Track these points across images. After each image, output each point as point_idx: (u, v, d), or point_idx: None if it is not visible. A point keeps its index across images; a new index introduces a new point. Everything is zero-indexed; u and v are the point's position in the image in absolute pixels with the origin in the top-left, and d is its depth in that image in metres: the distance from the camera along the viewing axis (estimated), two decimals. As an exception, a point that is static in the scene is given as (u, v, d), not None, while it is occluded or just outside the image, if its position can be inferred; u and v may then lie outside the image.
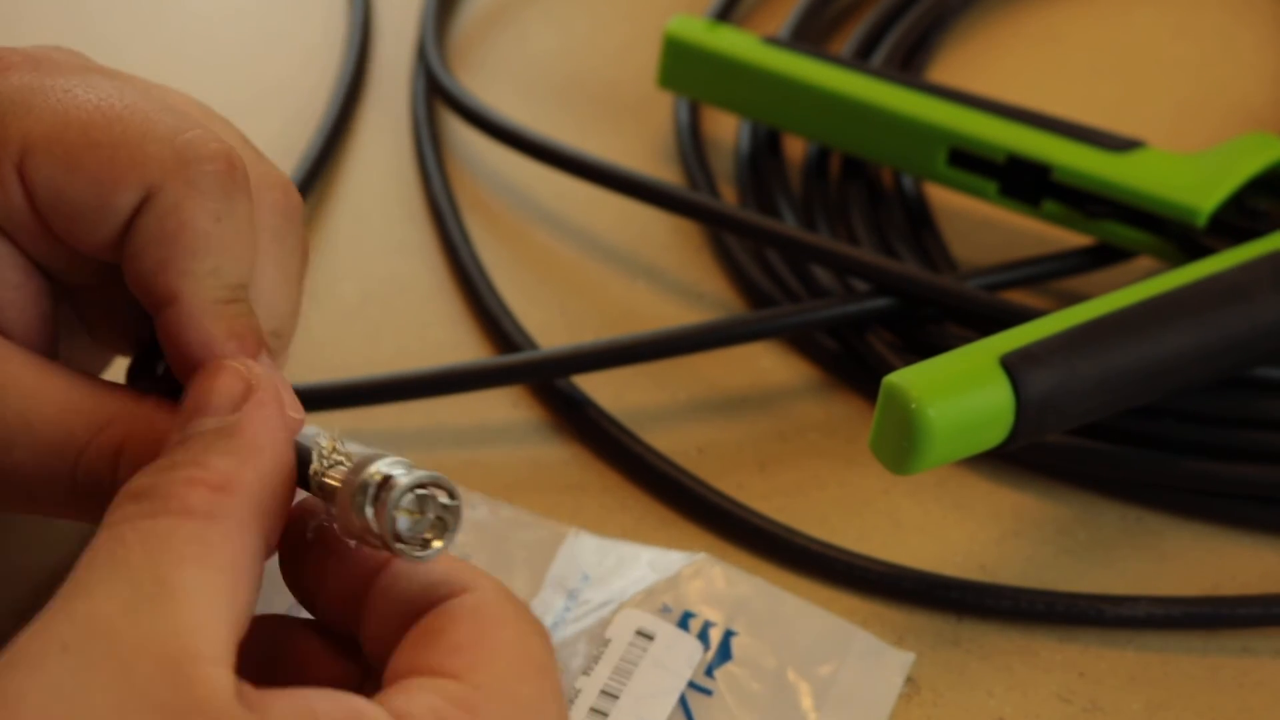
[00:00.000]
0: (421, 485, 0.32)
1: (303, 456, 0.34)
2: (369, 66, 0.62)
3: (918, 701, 0.42)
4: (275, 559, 0.35)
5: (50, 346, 0.37)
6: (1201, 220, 0.49)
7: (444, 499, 0.33)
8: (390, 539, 0.32)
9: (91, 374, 0.36)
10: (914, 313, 0.49)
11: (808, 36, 0.61)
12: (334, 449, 0.34)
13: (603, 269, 0.54)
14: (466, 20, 0.64)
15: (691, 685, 0.41)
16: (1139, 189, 0.49)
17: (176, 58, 0.62)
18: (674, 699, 0.40)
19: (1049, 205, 0.51)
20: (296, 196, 0.39)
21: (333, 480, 0.33)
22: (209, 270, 0.35)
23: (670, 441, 0.48)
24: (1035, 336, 0.41)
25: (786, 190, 0.55)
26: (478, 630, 0.32)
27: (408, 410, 0.48)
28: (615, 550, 0.44)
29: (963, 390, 0.40)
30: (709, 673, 0.41)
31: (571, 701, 0.40)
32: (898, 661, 0.42)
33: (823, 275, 0.52)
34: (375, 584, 0.33)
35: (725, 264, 0.54)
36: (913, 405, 0.39)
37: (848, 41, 0.60)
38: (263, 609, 0.34)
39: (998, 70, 0.62)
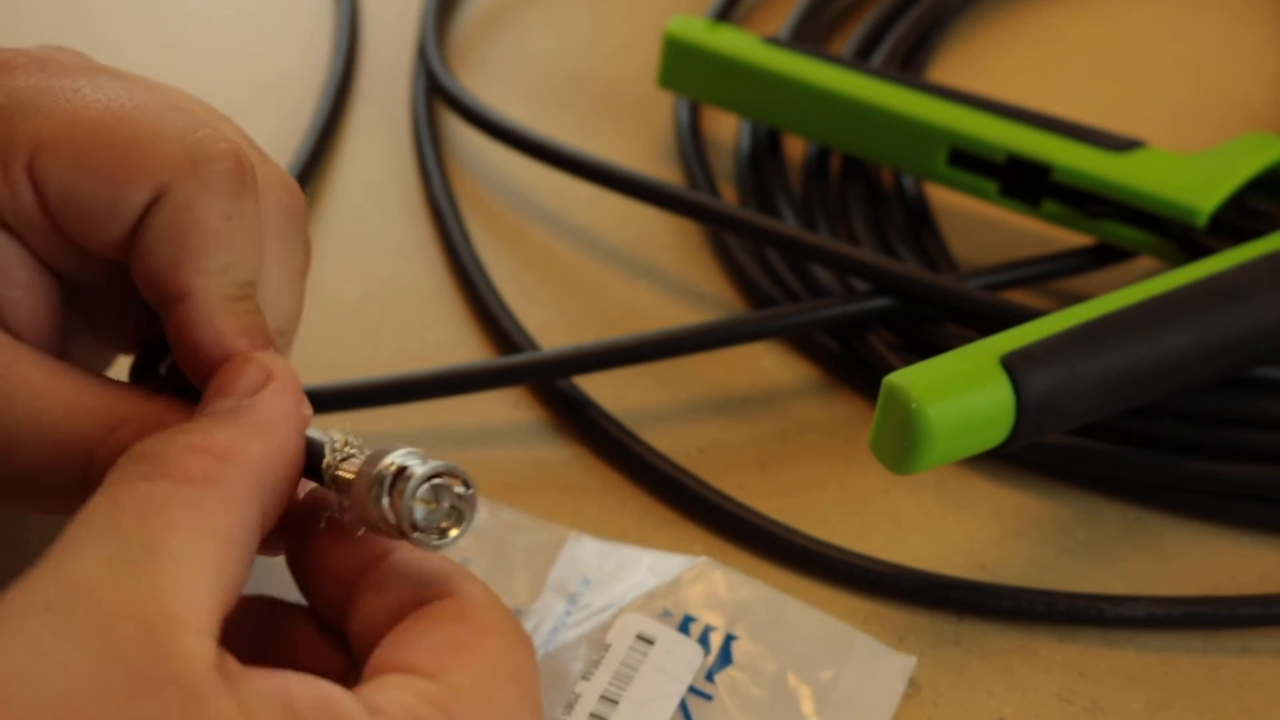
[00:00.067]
0: (437, 475, 0.33)
1: (315, 451, 0.34)
2: (360, 65, 0.62)
3: (918, 701, 0.42)
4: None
5: (58, 345, 0.37)
6: (1201, 220, 0.49)
7: (459, 488, 0.33)
8: (407, 528, 0.33)
9: (100, 374, 0.37)
10: (914, 313, 0.49)
11: (808, 36, 0.61)
12: (346, 443, 0.34)
13: (603, 269, 0.54)
14: (466, 20, 0.64)
15: (692, 690, 0.41)
16: (1139, 189, 0.49)
17: (176, 57, 0.62)
18: (674, 704, 0.40)
19: (1049, 205, 0.51)
20: (300, 196, 0.39)
21: (346, 473, 0.34)
22: (220, 267, 0.35)
23: (671, 442, 0.48)
24: (1035, 336, 0.41)
25: (786, 190, 0.55)
26: (460, 633, 0.32)
27: (409, 411, 0.48)
28: (616, 554, 0.44)
29: (963, 390, 0.40)
30: (709, 677, 0.41)
31: (571, 706, 0.40)
32: (899, 665, 0.42)
33: (823, 275, 0.52)
34: (366, 579, 0.33)
35: (725, 264, 0.54)
36: (913, 405, 0.39)
37: (848, 41, 0.60)
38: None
39: (998, 70, 0.62)
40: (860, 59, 0.59)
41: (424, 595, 0.33)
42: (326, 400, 0.46)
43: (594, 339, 0.48)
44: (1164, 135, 0.53)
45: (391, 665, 0.32)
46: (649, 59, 0.58)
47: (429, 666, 0.31)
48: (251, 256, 0.36)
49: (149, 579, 0.30)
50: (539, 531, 0.44)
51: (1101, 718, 0.42)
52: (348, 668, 0.34)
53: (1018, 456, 0.47)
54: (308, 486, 0.36)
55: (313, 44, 0.63)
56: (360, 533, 0.34)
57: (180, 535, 0.30)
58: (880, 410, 0.40)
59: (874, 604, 0.44)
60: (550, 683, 0.41)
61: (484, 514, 0.45)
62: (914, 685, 0.42)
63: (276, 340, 0.37)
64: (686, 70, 0.56)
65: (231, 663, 0.30)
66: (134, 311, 0.38)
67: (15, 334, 0.36)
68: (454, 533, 0.33)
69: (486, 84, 0.61)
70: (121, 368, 0.41)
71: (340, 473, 0.34)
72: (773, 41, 0.55)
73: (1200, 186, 0.49)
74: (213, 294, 0.35)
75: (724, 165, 0.58)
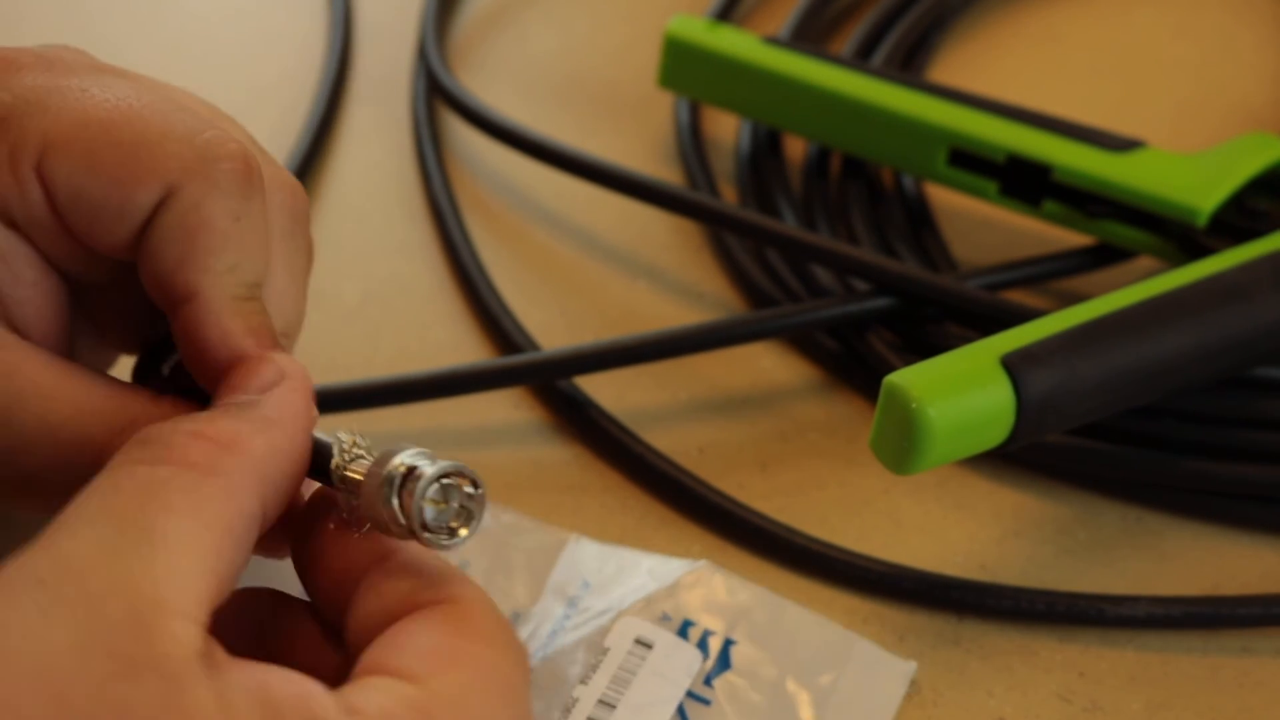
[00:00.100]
0: (446, 475, 0.33)
1: (323, 452, 0.34)
2: (360, 65, 0.62)
3: (918, 701, 0.42)
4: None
5: (66, 344, 0.37)
6: (1202, 220, 0.49)
7: (468, 488, 0.33)
8: (417, 528, 0.33)
9: (108, 375, 0.37)
10: (914, 313, 0.49)
11: (808, 36, 0.61)
12: (354, 444, 0.34)
13: (603, 269, 0.54)
14: (466, 20, 0.64)
15: (690, 695, 0.41)
16: (1139, 189, 0.49)
17: (175, 57, 0.62)
18: (672, 708, 0.40)
19: (1049, 205, 0.51)
20: (304, 198, 0.39)
21: (355, 473, 0.34)
22: (228, 267, 0.35)
23: (671, 442, 0.48)
24: (1035, 336, 0.41)
25: (787, 190, 0.55)
26: (451, 640, 0.32)
27: (409, 412, 0.48)
28: (616, 557, 0.44)
29: (963, 390, 0.40)
30: (708, 682, 0.41)
31: (568, 710, 0.40)
32: (899, 671, 0.42)
33: (823, 275, 0.52)
34: (366, 579, 0.33)
35: (725, 264, 0.54)
36: (913, 405, 0.39)
37: (848, 41, 0.60)
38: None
39: (998, 70, 0.62)
40: (860, 59, 0.59)
41: (420, 599, 0.33)
42: (327, 401, 0.46)
43: (594, 339, 0.48)
44: (1164, 135, 0.53)
45: (378, 667, 0.31)
46: (649, 59, 0.58)
47: (415, 671, 0.31)
48: (259, 257, 0.36)
49: (141, 562, 0.30)
50: (539, 534, 0.44)
51: (1102, 718, 0.42)
52: (344, 666, 0.34)
53: (1018, 456, 0.47)
54: (313, 487, 0.36)
55: (312, 44, 0.63)
56: (365, 528, 0.34)
57: (177, 520, 0.30)
58: (880, 410, 0.40)
59: (874, 604, 0.44)
60: (548, 686, 0.40)
61: (484, 516, 0.45)
62: (914, 685, 0.42)
63: (280, 342, 0.37)
64: (686, 70, 0.56)
65: (219, 652, 0.30)
66: (138, 311, 0.38)
67: (23, 333, 0.36)
68: (464, 532, 0.33)
69: (486, 84, 0.61)
70: (124, 368, 0.41)
71: (349, 473, 0.34)
72: (773, 41, 0.55)
73: (1200, 186, 0.49)
74: (220, 294, 0.35)
75: (724, 165, 0.58)
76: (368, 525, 0.34)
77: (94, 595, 0.29)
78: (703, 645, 0.41)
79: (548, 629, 0.42)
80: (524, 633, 0.42)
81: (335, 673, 0.33)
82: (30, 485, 0.35)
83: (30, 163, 0.35)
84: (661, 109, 0.60)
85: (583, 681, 0.41)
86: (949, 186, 0.53)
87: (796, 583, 0.45)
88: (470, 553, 0.44)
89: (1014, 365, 0.40)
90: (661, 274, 0.54)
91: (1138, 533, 0.46)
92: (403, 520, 0.33)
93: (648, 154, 0.58)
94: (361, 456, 0.34)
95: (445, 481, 0.33)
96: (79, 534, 0.30)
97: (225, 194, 0.35)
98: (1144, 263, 0.51)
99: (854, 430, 0.49)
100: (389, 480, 0.33)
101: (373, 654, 0.32)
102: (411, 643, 0.32)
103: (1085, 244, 0.52)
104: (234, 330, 0.35)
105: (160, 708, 0.28)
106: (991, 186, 0.52)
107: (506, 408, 0.49)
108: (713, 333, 0.48)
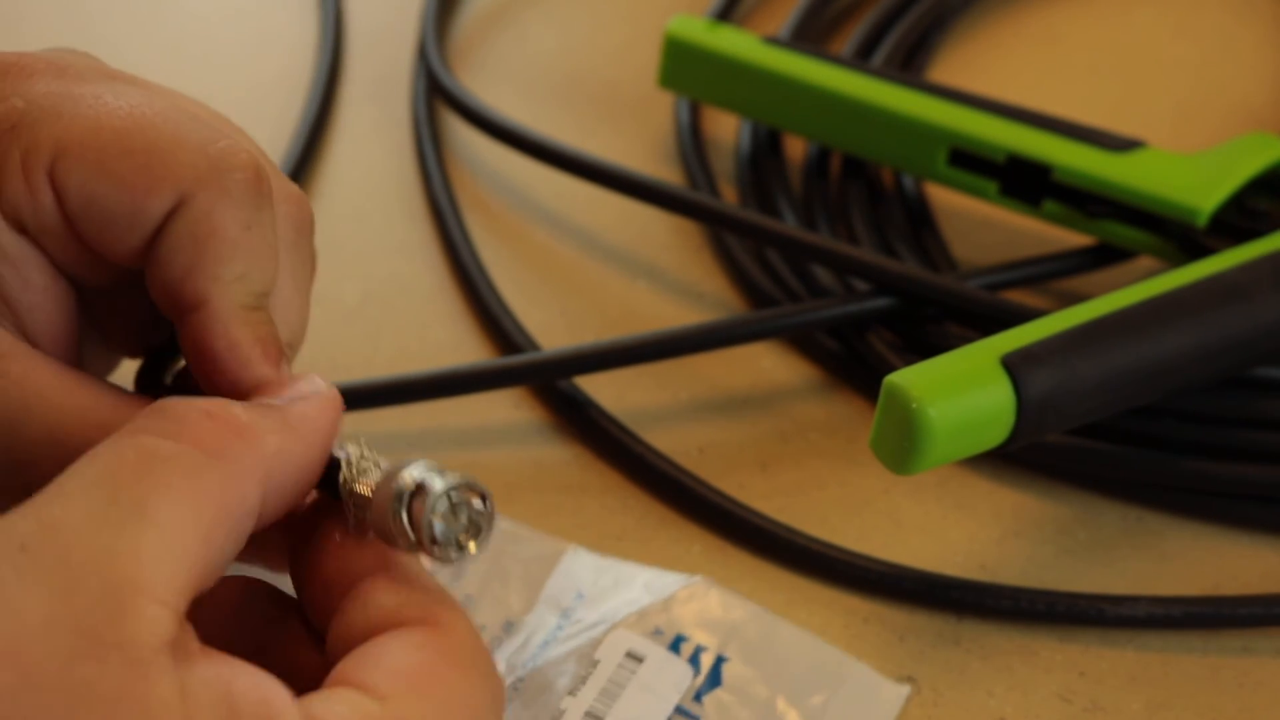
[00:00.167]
0: (455, 490, 0.33)
1: (331, 465, 0.34)
2: (359, 65, 0.62)
3: (918, 701, 0.42)
4: None
5: (74, 349, 0.37)
6: (1202, 220, 0.49)
7: (476, 502, 0.33)
8: (427, 544, 0.32)
9: (116, 385, 0.36)
10: (914, 313, 0.49)
11: (808, 36, 0.61)
12: (362, 456, 0.34)
13: (603, 269, 0.54)
14: (466, 20, 0.64)
15: (679, 710, 0.40)
16: (1139, 189, 0.49)
17: (175, 57, 0.62)
18: None
19: (1049, 205, 0.51)
20: (309, 209, 0.39)
21: (363, 488, 0.33)
22: (237, 276, 0.35)
23: (671, 442, 0.48)
24: (1036, 336, 0.41)
25: (787, 190, 0.55)
26: (425, 662, 0.32)
27: (410, 412, 0.48)
28: (613, 569, 0.43)
29: (963, 390, 0.40)
30: (697, 698, 0.41)
31: None
32: (893, 695, 0.41)
33: (823, 275, 0.52)
34: (355, 590, 0.33)
35: (725, 264, 0.54)
36: (913, 405, 0.39)
37: (848, 41, 0.60)
38: None
39: (998, 70, 0.62)
40: (860, 59, 0.59)
41: (404, 616, 0.32)
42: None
43: (594, 339, 0.48)
44: (1164, 135, 0.53)
45: (348, 679, 0.31)
46: (649, 59, 0.58)
47: (382, 688, 0.31)
48: (268, 267, 0.36)
49: (127, 539, 0.29)
50: (537, 543, 0.44)
51: (1102, 718, 0.42)
52: (326, 671, 0.34)
53: (1018, 456, 0.47)
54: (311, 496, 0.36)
55: (312, 44, 0.63)
56: (369, 538, 0.34)
57: (172, 500, 0.30)
58: (880, 410, 0.40)
59: (874, 604, 0.44)
60: (535, 697, 0.40)
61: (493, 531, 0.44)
62: (914, 685, 0.42)
63: (286, 352, 0.37)
64: (686, 70, 0.56)
65: (191, 642, 0.30)
66: (143, 316, 0.38)
67: (33, 339, 0.36)
68: (472, 546, 0.33)
69: (486, 84, 0.61)
70: (127, 370, 0.41)
71: (357, 488, 0.34)
72: (773, 41, 0.55)
73: (1200, 186, 0.49)
74: (229, 303, 0.35)
75: (724, 165, 0.58)
76: (371, 535, 0.34)
77: (74, 568, 0.29)
78: (694, 661, 0.41)
79: (540, 639, 0.42)
80: (516, 642, 0.42)
81: (317, 677, 0.33)
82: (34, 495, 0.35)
83: (43, 169, 0.35)
84: (661, 109, 0.60)
85: (571, 693, 0.40)
86: (949, 186, 0.53)
87: (796, 583, 0.45)
88: (467, 562, 0.44)
89: (1014, 365, 0.40)
90: (661, 274, 0.54)
91: (1138, 533, 0.46)
92: (412, 535, 0.33)
93: (648, 154, 0.58)
94: (369, 470, 0.34)
95: (454, 496, 0.33)
96: (71, 502, 0.30)
97: (236, 204, 0.35)
98: (1144, 263, 0.52)
99: (854, 430, 0.49)
100: (398, 495, 0.33)
101: (346, 665, 0.32)
102: (385, 659, 0.31)
103: (1085, 244, 0.52)
104: (241, 340, 0.35)
105: (120, 693, 0.28)
106: (991, 186, 0.52)
107: (506, 408, 0.49)
108: (713, 333, 0.48)
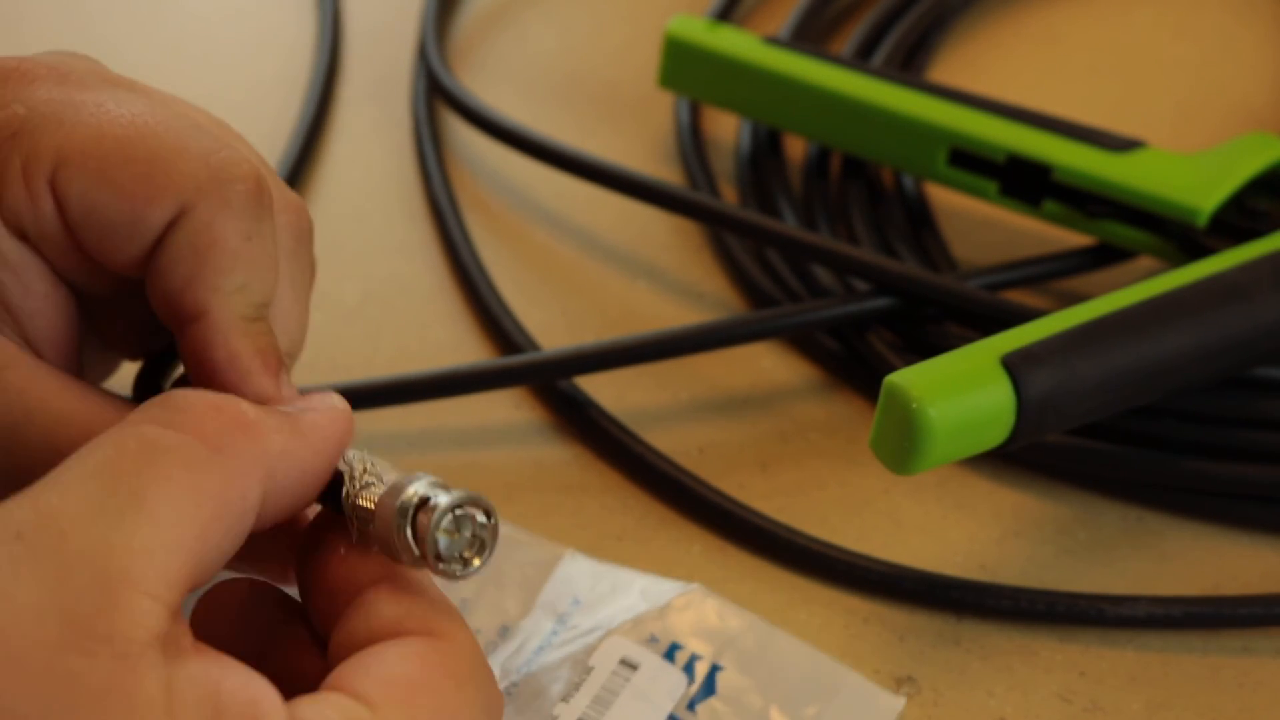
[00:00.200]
0: (459, 505, 0.33)
1: (334, 479, 0.34)
2: (359, 65, 0.62)
3: (918, 701, 0.42)
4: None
5: (74, 355, 0.37)
6: (1202, 220, 0.49)
7: (480, 517, 0.33)
8: (431, 559, 0.32)
9: (117, 394, 0.36)
10: (914, 313, 0.49)
11: (808, 36, 0.61)
12: (365, 470, 0.34)
13: (603, 269, 0.54)
14: (466, 20, 0.64)
15: (672, 719, 0.40)
16: (1139, 189, 0.49)
17: (175, 56, 0.62)
18: None
19: (1049, 205, 0.51)
20: (309, 218, 0.39)
21: (367, 502, 0.33)
22: (237, 287, 0.35)
23: (671, 442, 0.48)
24: (1036, 336, 0.41)
25: (787, 190, 0.55)
26: (420, 674, 0.31)
27: (410, 412, 0.48)
28: (610, 576, 0.43)
29: (963, 390, 0.40)
30: (691, 707, 0.40)
31: None
32: (888, 705, 0.41)
33: (823, 275, 0.52)
34: (359, 598, 0.33)
35: (725, 264, 0.54)
36: (913, 405, 0.39)
37: (848, 41, 0.60)
38: None
39: (998, 70, 0.62)
40: (860, 59, 0.59)
41: (405, 626, 0.32)
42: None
43: (594, 339, 0.48)
44: (1164, 135, 0.53)
45: (341, 685, 0.31)
46: (649, 59, 0.58)
47: (372, 697, 0.31)
48: (268, 277, 0.36)
49: (123, 530, 0.29)
50: (535, 549, 0.44)
51: (1102, 718, 0.42)
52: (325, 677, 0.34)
53: (1018, 456, 0.47)
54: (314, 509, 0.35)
55: (312, 44, 0.62)
56: (373, 551, 0.34)
57: (171, 493, 0.30)
58: (880, 410, 0.40)
59: (874, 604, 0.44)
60: (529, 703, 0.40)
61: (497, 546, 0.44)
62: (914, 685, 0.42)
63: (286, 361, 0.37)
64: (686, 70, 0.56)
65: (183, 639, 0.30)
66: (143, 322, 0.38)
67: (33, 345, 0.36)
68: (476, 562, 0.33)
69: (486, 84, 0.61)
70: (127, 373, 0.41)
71: (361, 501, 0.34)
72: (773, 41, 0.55)
73: (1200, 186, 0.49)
74: (229, 314, 0.35)
75: (724, 165, 0.58)
76: (376, 548, 0.34)
77: (68, 558, 0.28)
78: (689, 669, 0.41)
79: (535, 644, 0.42)
80: (511, 647, 0.42)
81: (318, 683, 0.33)
82: None
83: (44, 177, 0.35)
84: (661, 109, 0.60)
85: (564, 699, 0.40)
86: (949, 186, 0.53)
87: (796, 583, 0.45)
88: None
89: (1014, 365, 0.40)
90: (661, 274, 0.54)
91: (1138, 533, 0.46)
92: (416, 550, 0.32)
93: (648, 154, 0.58)
94: (372, 484, 0.34)
95: (458, 512, 0.33)
96: (70, 491, 0.30)
97: (237, 214, 0.35)
98: (1144, 263, 0.52)
99: (854, 430, 0.49)
100: (403, 511, 0.32)
101: (342, 671, 0.32)
102: (379, 668, 0.31)
103: (1085, 244, 0.52)
104: (241, 351, 0.35)
105: (106, 687, 0.28)
106: (991, 186, 0.52)
107: (507, 408, 0.49)
108: (713, 333, 0.48)
